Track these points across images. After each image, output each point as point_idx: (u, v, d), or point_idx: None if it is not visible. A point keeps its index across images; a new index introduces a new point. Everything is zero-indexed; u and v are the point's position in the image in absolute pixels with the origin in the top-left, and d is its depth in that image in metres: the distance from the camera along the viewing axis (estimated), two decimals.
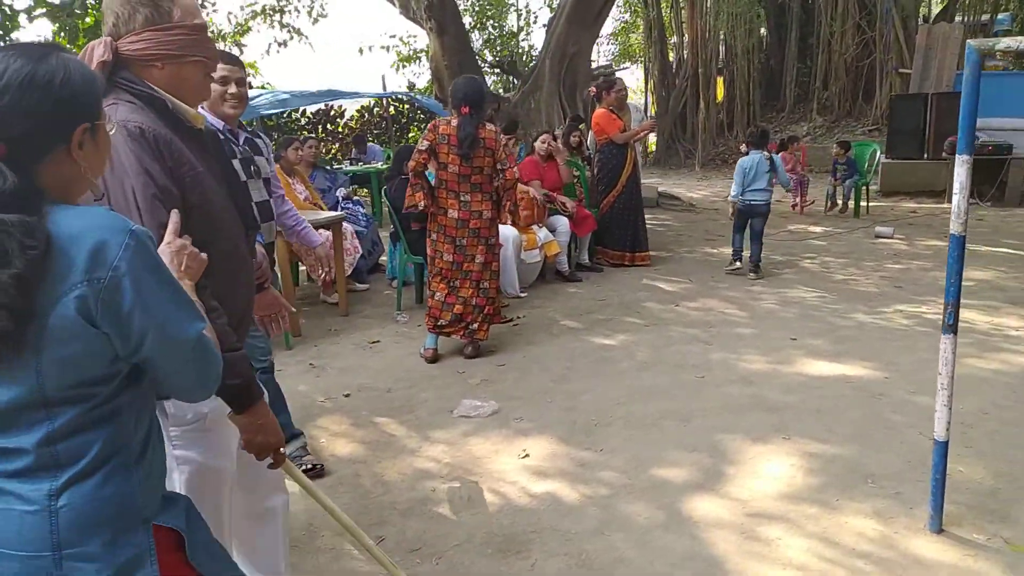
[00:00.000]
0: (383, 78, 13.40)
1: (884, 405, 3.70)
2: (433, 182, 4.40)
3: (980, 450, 3.22)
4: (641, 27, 19.58)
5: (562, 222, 6.33)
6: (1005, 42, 2.31)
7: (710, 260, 7.25)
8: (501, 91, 14.10)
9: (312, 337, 5.08)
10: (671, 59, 19.25)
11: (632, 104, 7.63)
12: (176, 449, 1.65)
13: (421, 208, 4.36)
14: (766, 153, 6.34)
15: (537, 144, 6.46)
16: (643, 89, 20.09)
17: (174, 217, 1.43)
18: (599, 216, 6.91)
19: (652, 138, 18.59)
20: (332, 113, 13.20)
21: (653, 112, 18.87)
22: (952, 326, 2.57)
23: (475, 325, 4.51)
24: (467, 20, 13.92)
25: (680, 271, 6.78)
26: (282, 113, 12.15)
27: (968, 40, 2.35)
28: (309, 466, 3.18)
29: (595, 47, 19.86)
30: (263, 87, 14.09)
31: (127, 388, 1.20)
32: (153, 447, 1.28)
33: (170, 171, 1.49)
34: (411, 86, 13.95)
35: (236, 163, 2.86)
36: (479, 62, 13.12)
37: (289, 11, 12.59)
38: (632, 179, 6.87)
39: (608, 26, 17.67)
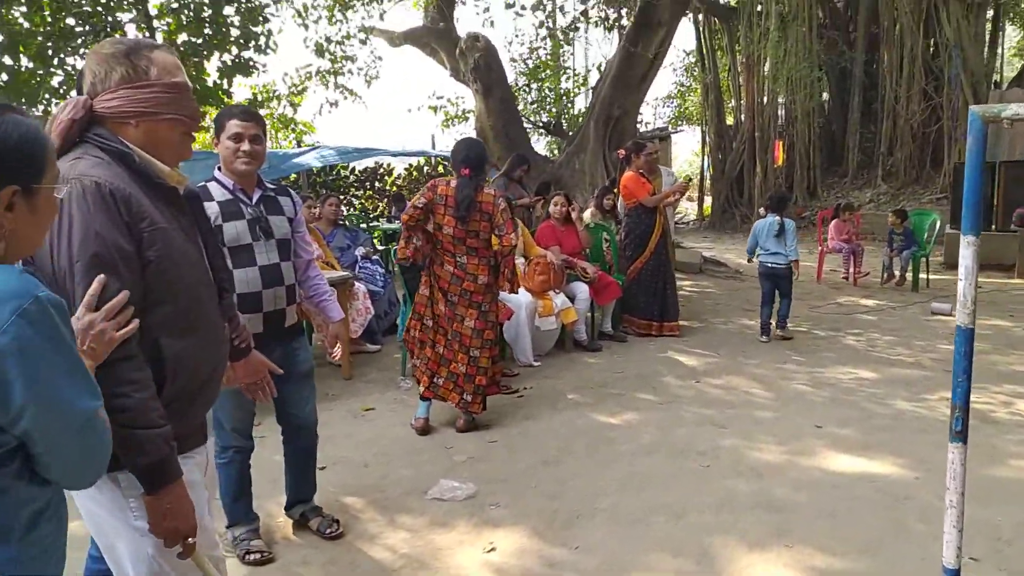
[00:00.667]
0: (432, 137, 13.60)
1: (909, 511, 3.26)
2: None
3: (1018, 571, 2.75)
4: (699, 90, 19.44)
5: (582, 289, 6.07)
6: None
7: (745, 332, 6.84)
8: (554, 152, 14.10)
9: None
10: (729, 122, 19.00)
11: (664, 168, 7.39)
12: (137, 520, 1.54)
13: (411, 262, 4.23)
14: (777, 218, 6.30)
15: (552, 208, 6.25)
16: (700, 152, 19.84)
17: (92, 288, 1.38)
18: (626, 282, 6.63)
19: (707, 202, 18.27)
20: (381, 171, 13.38)
21: (710, 174, 18.59)
22: (961, 433, 2.19)
23: (468, 396, 4.25)
24: (517, 80, 14.05)
25: (710, 343, 6.40)
26: (331, 169, 12.37)
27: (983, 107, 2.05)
28: (255, 555, 2.96)
29: (651, 108, 19.86)
30: (314, 145, 14.48)
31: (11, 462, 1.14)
32: (44, 524, 1.19)
33: (126, 226, 1.45)
34: None
35: (240, 224, 2.76)
36: (525, 123, 13.16)
37: (344, 73, 12.91)
38: (661, 244, 6.58)
39: (664, 88, 17.60)
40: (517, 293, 4.74)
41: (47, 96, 9.03)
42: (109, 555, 1.66)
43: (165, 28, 9.89)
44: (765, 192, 17.15)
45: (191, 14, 9.35)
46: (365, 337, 6.04)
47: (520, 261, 5.93)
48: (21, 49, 8.50)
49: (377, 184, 13.15)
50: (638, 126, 17.85)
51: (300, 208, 3.06)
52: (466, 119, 13.45)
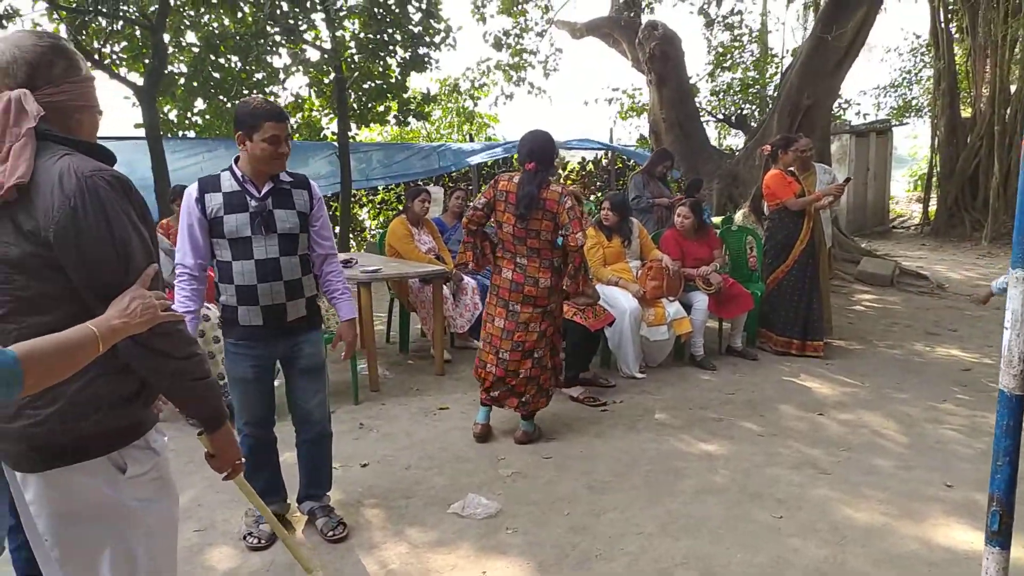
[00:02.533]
0: (610, 130, 13.22)
1: None
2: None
3: None
4: (929, 77, 17.11)
5: (700, 298, 5.49)
6: None
7: (912, 360, 5.82)
8: (736, 146, 13.13)
9: (387, 394, 4.90)
10: (965, 114, 16.51)
11: (821, 166, 6.47)
12: (136, 498, 1.58)
13: (470, 267, 4.03)
14: None
15: (676, 219, 5.69)
16: (930, 147, 17.47)
17: (148, 271, 1.50)
18: (764, 294, 5.92)
19: (932, 204, 16.05)
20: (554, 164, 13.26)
21: (937, 172, 16.32)
22: (998, 534, 1.60)
23: (528, 397, 4.00)
24: (701, 70, 13.22)
25: (858, 370, 5.52)
26: (504, 163, 12.47)
27: None
28: (253, 540, 2.98)
29: (870, 98, 17.80)
30: (490, 139, 14.73)
31: None
32: None
33: (141, 215, 1.53)
34: (641, 138, 13.54)
35: (241, 217, 2.74)
36: (703, 115, 12.34)
37: (524, 66, 12.93)
38: (807, 253, 5.78)
39: (885, 75, 15.65)
40: (587, 294, 4.36)
41: (245, 91, 9.98)
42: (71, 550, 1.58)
43: (351, 27, 10.52)
44: (1004, 197, 14.73)
45: (378, 13, 9.79)
46: (472, 333, 5.94)
47: (635, 263, 5.50)
48: (222, 49, 9.43)
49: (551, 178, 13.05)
50: (847, 116, 16.13)
51: (319, 202, 2.96)
52: (643, 111, 12.90)
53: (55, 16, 8.21)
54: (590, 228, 5.42)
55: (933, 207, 16.44)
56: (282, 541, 2.40)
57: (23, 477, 1.54)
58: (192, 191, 2.79)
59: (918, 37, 17.99)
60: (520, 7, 12.41)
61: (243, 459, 1.83)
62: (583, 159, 13.66)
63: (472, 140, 13.17)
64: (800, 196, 5.72)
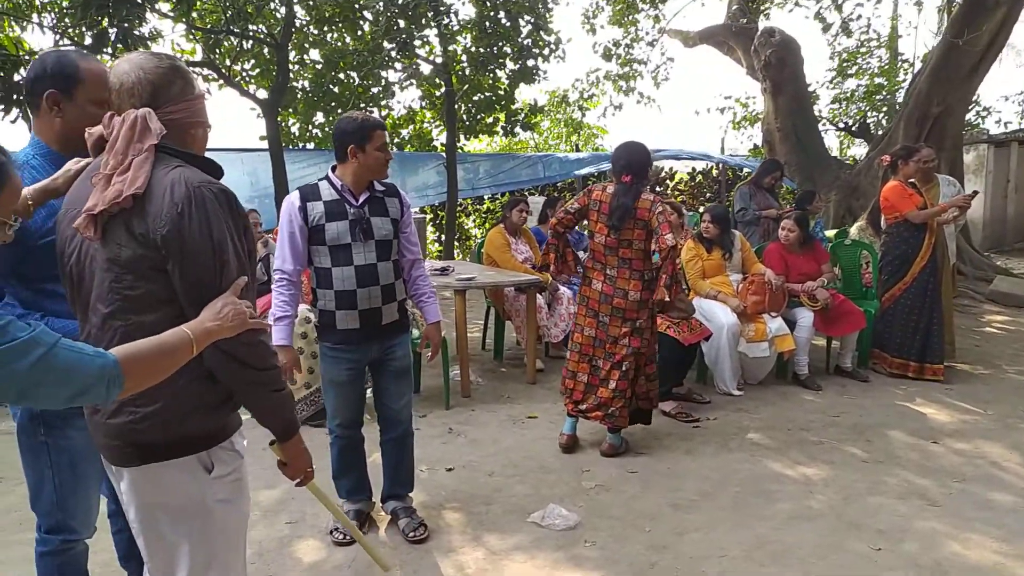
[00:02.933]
0: (722, 140, 12.89)
1: None
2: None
3: None
4: None
5: (804, 315, 5.24)
6: None
7: None
8: (859, 156, 12.45)
9: (477, 400, 4.96)
10: None
11: (945, 178, 6.01)
12: (219, 496, 1.68)
13: (550, 269, 4.10)
14: None
15: (780, 233, 5.46)
16: None
17: (239, 282, 1.61)
18: (879, 312, 5.59)
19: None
20: (663, 175, 13.03)
21: None
22: None
23: (616, 411, 3.94)
24: (822, 76, 12.62)
25: (981, 396, 5.11)
26: (609, 173, 12.37)
27: None
28: (339, 535, 3.10)
29: (1014, 105, 16.47)
30: (597, 149, 14.65)
31: None
32: None
33: (243, 228, 1.64)
34: (755, 148, 13.12)
35: (342, 225, 2.86)
36: (823, 124, 11.80)
37: (634, 76, 12.82)
38: (928, 270, 5.41)
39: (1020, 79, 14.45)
40: (681, 307, 4.25)
41: (362, 104, 10.42)
42: (160, 545, 1.70)
43: (463, 41, 10.78)
44: None
45: (489, 27, 10.00)
46: (566, 343, 5.91)
47: (736, 277, 5.32)
48: (341, 65, 9.90)
49: (658, 188, 12.84)
50: (984, 125, 14.98)
51: (408, 209, 3.09)
52: (757, 120, 12.49)
53: (192, 36, 8.87)
54: (689, 240, 5.30)
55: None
56: (357, 541, 2.47)
57: (117, 470, 1.68)
58: (294, 199, 2.92)
59: None
60: (631, 17, 12.32)
61: (312, 467, 1.88)
62: (693, 169, 13.38)
63: (578, 150, 13.17)
64: (922, 209, 5.37)
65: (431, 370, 5.08)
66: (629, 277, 3.84)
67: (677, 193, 13.01)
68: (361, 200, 2.92)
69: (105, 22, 6.18)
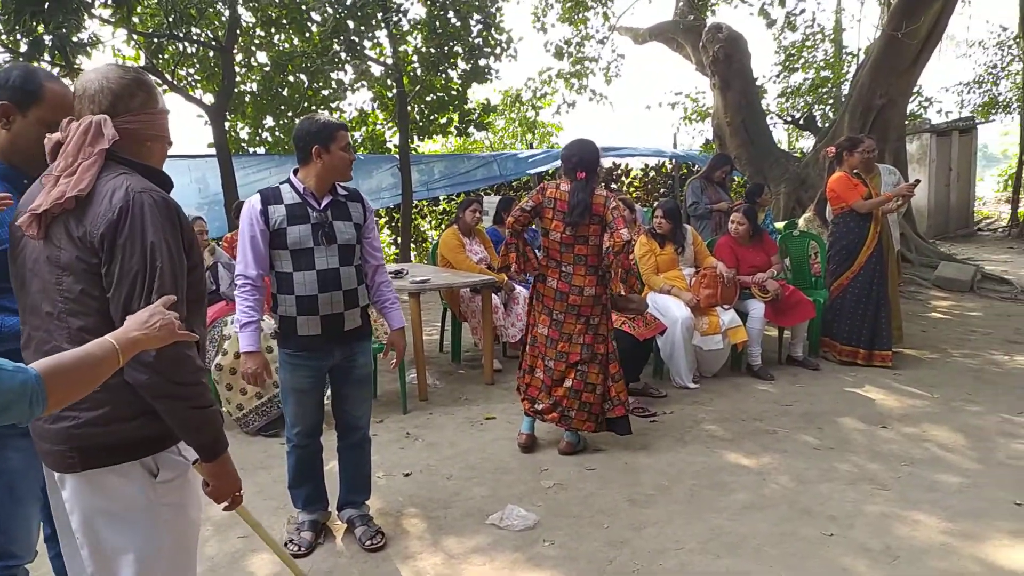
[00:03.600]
0: (674, 136, 13.04)
1: None
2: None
3: None
4: (1018, 71, 16.18)
5: (756, 306, 5.32)
6: None
7: (988, 370, 5.50)
8: (807, 149, 12.70)
9: (435, 403, 4.94)
10: None
11: (886, 167, 6.18)
12: (164, 501, 1.67)
13: (512, 269, 4.05)
14: None
15: (731, 226, 5.54)
16: (1020, 145, 16.52)
17: (167, 298, 1.56)
18: (828, 301, 5.70)
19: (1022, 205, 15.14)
20: (618, 172, 13.13)
21: None
22: None
23: (571, 412, 3.95)
24: (768, 71, 12.84)
25: (928, 380, 5.25)
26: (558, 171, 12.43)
27: None
28: (293, 547, 3.04)
29: (954, 95, 16.94)
30: (553, 147, 14.69)
31: None
32: None
33: (184, 238, 1.63)
34: (706, 143, 13.30)
35: (304, 228, 2.80)
36: (771, 118, 12.01)
37: (586, 74, 12.89)
38: (875, 258, 5.54)
39: (969, 71, 14.87)
40: (635, 303, 4.26)
41: (313, 107, 10.29)
42: (100, 550, 1.66)
43: (413, 42, 10.71)
44: None
45: (440, 27, 9.95)
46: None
47: (689, 271, 5.39)
48: (290, 68, 9.76)
49: (614, 185, 12.93)
50: (927, 115, 15.40)
51: (371, 214, 3.05)
52: (708, 115, 12.66)
53: (133, 42, 8.66)
54: (642, 235, 5.35)
55: None
56: (280, 558, 2.37)
57: (60, 476, 1.65)
58: (255, 203, 2.85)
59: (1005, 29, 17.07)
60: (581, 15, 12.39)
61: (241, 490, 1.80)
62: (646, 165, 13.50)
63: (532, 148, 13.20)
64: (866, 199, 5.49)
65: (388, 375, 5.04)
66: (585, 273, 3.86)
67: (632, 189, 13.11)
68: (324, 204, 2.87)
69: (41, 28, 5.97)
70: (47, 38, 6.01)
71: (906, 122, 10.81)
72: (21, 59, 7.06)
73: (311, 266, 2.83)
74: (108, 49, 8.86)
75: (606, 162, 13.02)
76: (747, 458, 3.93)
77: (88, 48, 9.03)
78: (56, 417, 1.58)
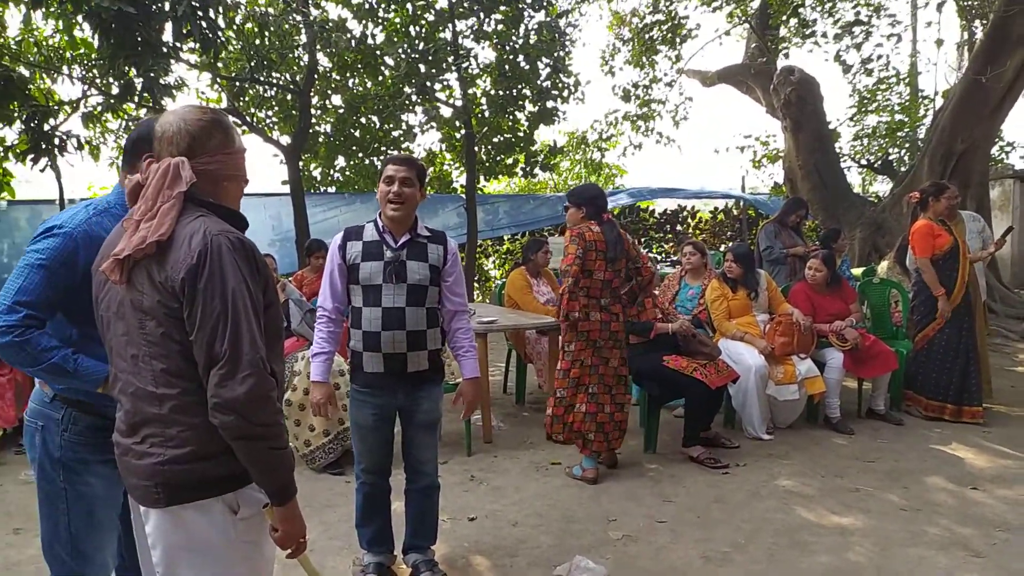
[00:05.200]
0: (743, 179, 12.84)
1: None
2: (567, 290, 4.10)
3: None
4: None
5: (835, 356, 5.11)
6: None
7: None
8: (883, 193, 12.34)
9: (499, 446, 4.87)
10: None
11: (968, 213, 5.91)
12: (245, 538, 1.69)
13: (577, 316, 4.07)
14: None
15: (807, 272, 5.37)
16: None
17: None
18: (912, 353, 5.44)
19: None
20: (684, 214, 12.99)
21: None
22: None
23: (614, 436, 4.27)
24: (842, 113, 12.58)
25: (1022, 439, 4.92)
26: (630, 211, 12.36)
27: None
28: None
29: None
30: (619, 187, 14.65)
31: None
32: None
33: (260, 277, 1.63)
34: (776, 186, 13.07)
35: (376, 265, 2.82)
36: (845, 161, 11.74)
37: (653, 117, 12.87)
38: (962, 309, 5.28)
39: None
40: (707, 349, 4.39)
41: (383, 148, 10.53)
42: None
43: (483, 84, 10.89)
44: None
45: (509, 70, 10.11)
46: None
47: (763, 317, 5.22)
48: (362, 109, 10.04)
49: (679, 227, 12.79)
50: (1010, 160, 14.81)
51: (453, 257, 2.97)
52: (778, 158, 12.45)
53: (217, 85, 9.05)
54: (714, 280, 5.23)
55: None
56: None
57: (145, 510, 1.66)
58: (338, 238, 2.94)
59: None
60: (649, 58, 12.42)
61: (306, 537, 1.75)
62: (714, 209, 13.32)
63: None
64: (952, 247, 5.25)
65: (451, 413, 5.00)
66: (615, 302, 4.15)
67: (698, 232, 12.93)
68: (400, 242, 2.86)
69: (132, 72, 6.29)
70: (137, 81, 6.32)
71: (988, 167, 10.39)
72: (112, 101, 7.45)
73: (378, 303, 2.83)
74: (192, 92, 9.30)
75: (672, 204, 12.92)
76: (829, 517, 3.73)
77: (173, 90, 9.52)
78: (143, 453, 1.60)
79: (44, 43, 7.64)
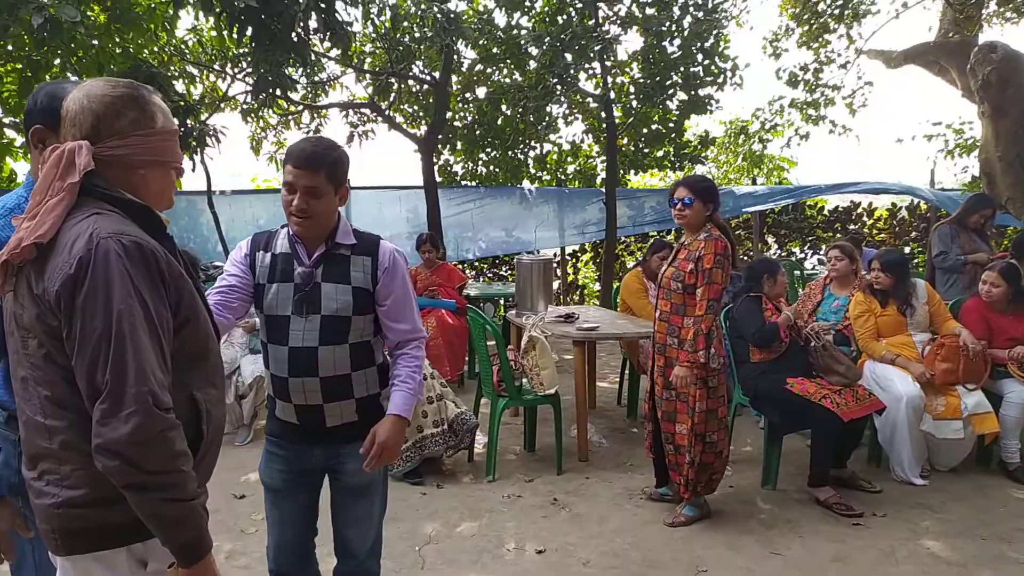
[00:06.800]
0: (931, 172, 11.23)
1: None
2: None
3: None
4: None
5: (1015, 390, 4.15)
6: None
7: None
8: None
9: (594, 465, 4.42)
10: None
11: None
12: None
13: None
14: None
15: (982, 287, 4.37)
16: None
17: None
18: None
19: None
20: (859, 211, 11.59)
21: None
22: None
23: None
24: None
25: None
26: (792, 208, 11.27)
27: None
28: None
29: None
30: (781, 182, 13.39)
31: None
32: None
33: (166, 289, 1.37)
34: (973, 181, 11.33)
35: (284, 288, 2.09)
36: None
37: (826, 103, 11.62)
38: None
39: None
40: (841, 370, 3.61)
41: (523, 140, 10.29)
42: None
43: (631, 72, 10.34)
44: None
45: (654, 58, 9.54)
46: None
47: (921, 338, 4.35)
48: (503, 101, 9.84)
49: (852, 226, 11.43)
50: None
51: (390, 272, 2.13)
52: (973, 149, 10.76)
53: (360, 81, 9.23)
54: (858, 293, 4.45)
55: None
56: None
57: (53, 557, 1.46)
58: (244, 245, 2.22)
59: None
60: (822, 39, 11.20)
61: None
62: (893, 205, 11.82)
63: (755, 184, 12.10)
64: None
65: (547, 426, 4.62)
66: None
67: (876, 232, 11.51)
68: (314, 257, 2.11)
69: (264, 68, 6.43)
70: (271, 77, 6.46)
71: None
72: (250, 97, 7.76)
73: (284, 340, 2.10)
74: (340, 88, 9.55)
75: (844, 200, 11.61)
76: None
77: (325, 87, 9.84)
78: (40, 491, 1.36)
79: (182, 42, 8.08)
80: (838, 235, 11.29)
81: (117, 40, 6.36)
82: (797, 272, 8.74)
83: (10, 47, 6.20)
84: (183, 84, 8.84)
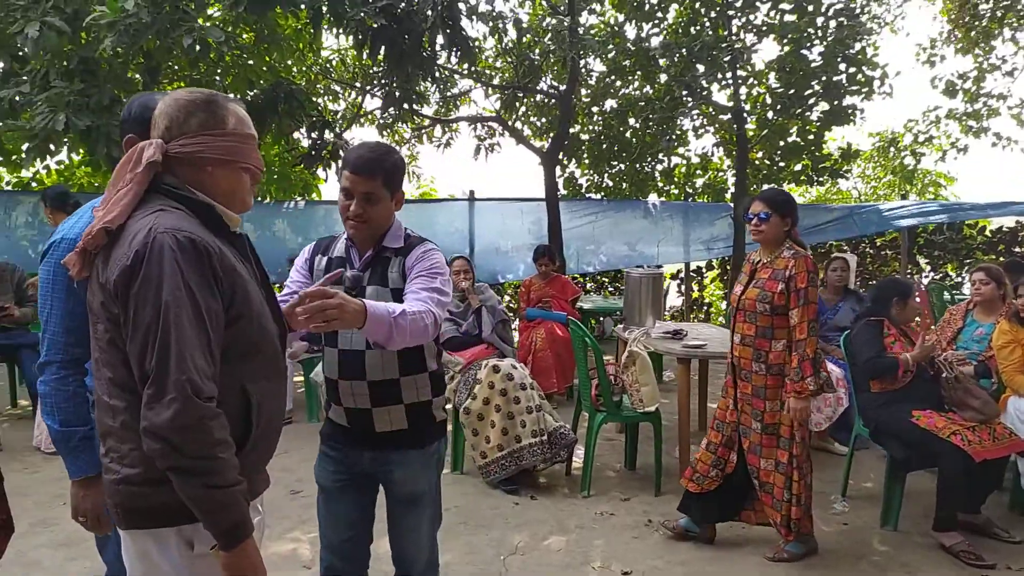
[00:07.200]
0: None
1: None
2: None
3: None
4: None
5: None
6: None
7: None
8: None
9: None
10: None
11: None
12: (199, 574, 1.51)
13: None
14: None
15: None
16: None
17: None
18: None
19: None
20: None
21: None
22: None
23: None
24: None
25: None
26: (948, 227, 10.34)
27: None
28: None
29: None
30: (936, 199, 12.32)
31: None
32: None
33: (216, 283, 1.44)
34: None
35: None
36: None
37: (991, 114, 10.65)
38: None
39: None
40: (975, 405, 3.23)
41: (650, 153, 10.12)
42: None
43: (768, 82, 9.93)
44: None
45: (791, 68, 9.12)
46: (834, 432, 4.86)
47: None
48: (630, 113, 9.73)
49: (1017, 249, 10.32)
50: None
51: (417, 259, 2.10)
52: None
53: (489, 96, 9.44)
54: (1003, 321, 4.02)
55: None
56: None
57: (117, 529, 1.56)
58: (306, 250, 2.29)
59: None
60: (986, 44, 10.27)
61: None
62: None
63: (904, 199, 11.21)
64: None
65: (647, 444, 4.48)
66: None
67: None
68: (363, 260, 2.15)
69: (396, 84, 6.72)
70: (398, 93, 6.74)
71: None
72: (382, 112, 8.11)
73: (334, 342, 2.13)
74: (470, 103, 9.82)
75: (1009, 221, 10.52)
76: None
77: (457, 101, 10.14)
78: (107, 468, 1.47)
79: (327, 62, 8.56)
80: (1001, 258, 10.25)
81: (266, 59, 6.87)
82: (947, 296, 8.00)
83: (176, 67, 6.84)
84: (327, 100, 9.43)
